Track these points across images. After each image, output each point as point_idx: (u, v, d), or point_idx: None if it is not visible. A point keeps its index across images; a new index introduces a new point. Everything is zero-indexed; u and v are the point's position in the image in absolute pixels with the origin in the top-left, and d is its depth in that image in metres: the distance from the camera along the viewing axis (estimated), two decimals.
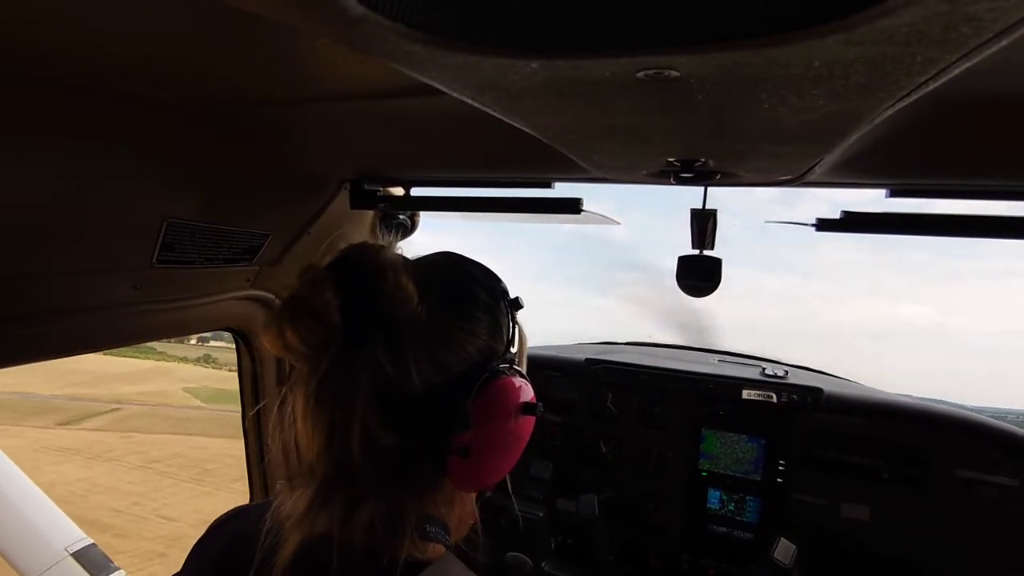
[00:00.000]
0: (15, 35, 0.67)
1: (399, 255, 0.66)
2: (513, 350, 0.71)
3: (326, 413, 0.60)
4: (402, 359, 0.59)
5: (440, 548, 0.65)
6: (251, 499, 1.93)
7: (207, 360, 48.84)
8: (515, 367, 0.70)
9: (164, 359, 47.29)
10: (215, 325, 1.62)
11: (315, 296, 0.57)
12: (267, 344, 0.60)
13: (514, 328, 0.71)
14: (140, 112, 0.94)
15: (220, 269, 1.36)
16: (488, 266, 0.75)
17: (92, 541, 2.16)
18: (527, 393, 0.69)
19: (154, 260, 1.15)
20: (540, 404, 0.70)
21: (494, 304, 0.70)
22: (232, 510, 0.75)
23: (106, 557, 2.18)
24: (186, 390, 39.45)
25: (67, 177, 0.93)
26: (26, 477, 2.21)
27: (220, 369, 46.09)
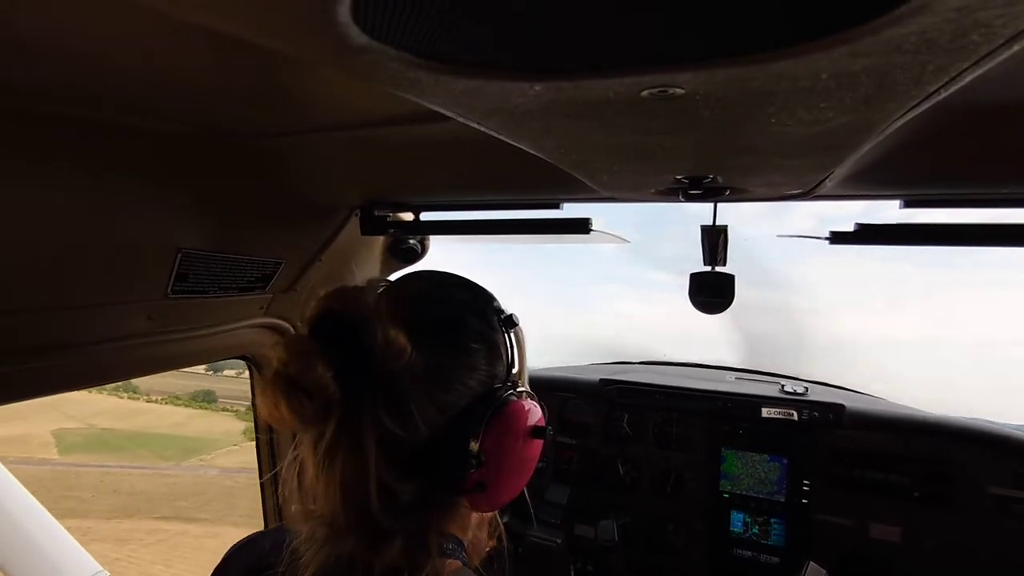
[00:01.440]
0: (26, 71, 0.69)
1: (380, 297, 0.65)
2: (514, 370, 0.70)
3: (337, 475, 0.59)
4: (405, 412, 0.59)
5: (456, 563, 0.65)
6: (265, 525, 1.91)
7: (125, 389, 42.80)
8: (518, 388, 0.69)
9: None
10: (229, 354, 1.62)
11: (307, 372, 0.56)
12: (262, 411, 0.59)
13: (512, 347, 0.71)
14: (153, 145, 0.96)
15: (234, 298, 1.37)
16: (475, 282, 0.73)
17: (108, 573, 2.15)
18: (535, 415, 0.69)
19: (169, 291, 1.16)
20: (549, 428, 0.70)
21: (488, 328, 0.68)
22: (244, 539, 0.75)
23: None
24: (57, 433, 32.98)
25: (82, 211, 0.94)
26: (42, 508, 2.22)
27: (137, 399, 41.16)
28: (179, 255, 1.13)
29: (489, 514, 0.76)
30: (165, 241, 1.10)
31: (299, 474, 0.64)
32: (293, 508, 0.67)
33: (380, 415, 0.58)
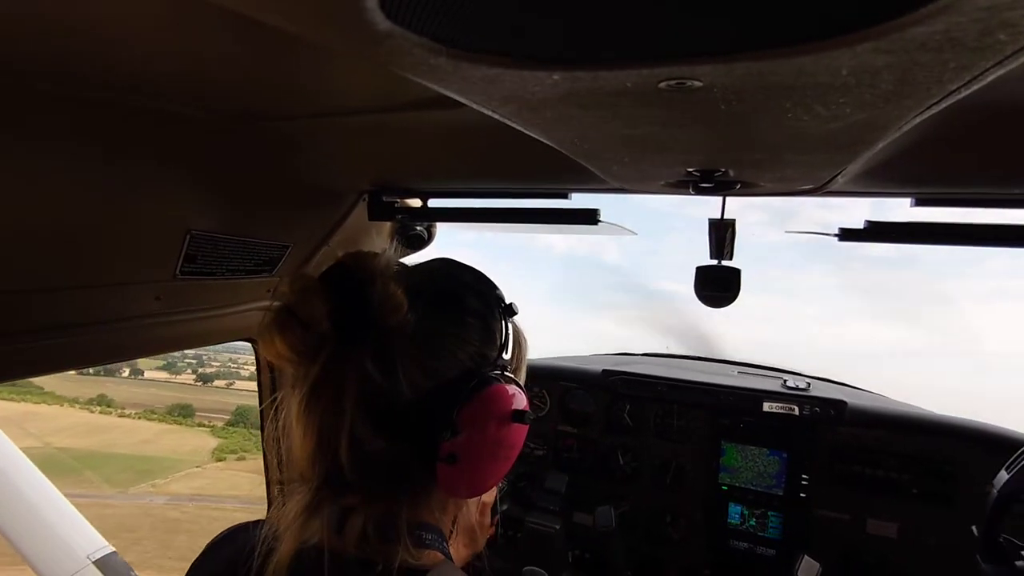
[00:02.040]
0: (41, 53, 0.69)
1: (393, 263, 0.66)
2: (506, 356, 0.71)
3: (315, 418, 0.60)
4: (390, 367, 0.59)
5: (437, 555, 0.65)
6: (268, 509, 1.94)
7: (99, 403, 37.50)
8: (507, 374, 0.69)
9: (44, 401, 35.87)
10: (235, 336, 1.63)
11: (304, 305, 0.58)
12: (262, 351, 0.61)
13: (507, 334, 0.71)
14: (164, 127, 0.96)
15: (241, 280, 1.38)
16: (484, 273, 0.75)
17: (114, 549, 2.19)
18: (519, 401, 0.68)
19: (177, 272, 1.17)
20: (529, 414, 0.70)
21: (486, 310, 0.69)
22: (231, 527, 0.75)
23: (127, 566, 2.20)
24: None
25: (92, 191, 0.95)
26: (49, 483, 2.25)
27: (110, 413, 36.47)
28: (188, 236, 1.13)
29: (478, 503, 0.76)
30: (175, 222, 1.11)
31: (284, 431, 0.65)
32: (275, 490, 0.68)
33: (366, 364, 0.58)
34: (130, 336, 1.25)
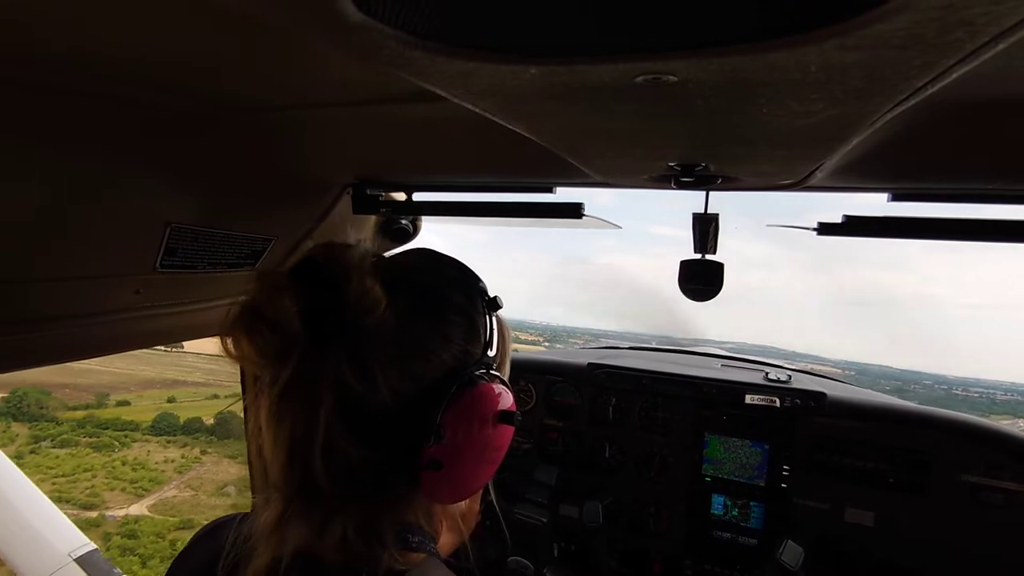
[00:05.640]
0: (17, 40, 0.67)
1: (369, 255, 0.61)
2: (491, 352, 0.67)
3: (286, 427, 0.56)
4: (368, 371, 0.56)
5: (421, 556, 0.63)
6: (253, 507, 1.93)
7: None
8: (493, 372, 0.66)
9: None
10: (216, 330, 1.62)
11: (272, 303, 0.53)
12: (223, 351, 0.56)
13: (492, 330, 0.68)
14: (143, 117, 0.95)
15: (222, 274, 1.37)
16: (464, 263, 0.72)
17: (95, 546, 2.16)
18: (505, 401, 0.66)
19: (157, 265, 1.16)
20: (518, 415, 0.67)
21: (470, 306, 0.66)
22: (215, 521, 0.72)
23: (110, 563, 2.18)
24: None
25: (70, 183, 0.93)
26: (29, 481, 2.22)
27: None
28: (168, 229, 1.12)
29: (466, 505, 0.74)
30: (154, 215, 1.09)
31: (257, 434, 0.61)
32: (254, 498, 0.65)
33: (341, 368, 0.55)
34: (110, 330, 1.23)
